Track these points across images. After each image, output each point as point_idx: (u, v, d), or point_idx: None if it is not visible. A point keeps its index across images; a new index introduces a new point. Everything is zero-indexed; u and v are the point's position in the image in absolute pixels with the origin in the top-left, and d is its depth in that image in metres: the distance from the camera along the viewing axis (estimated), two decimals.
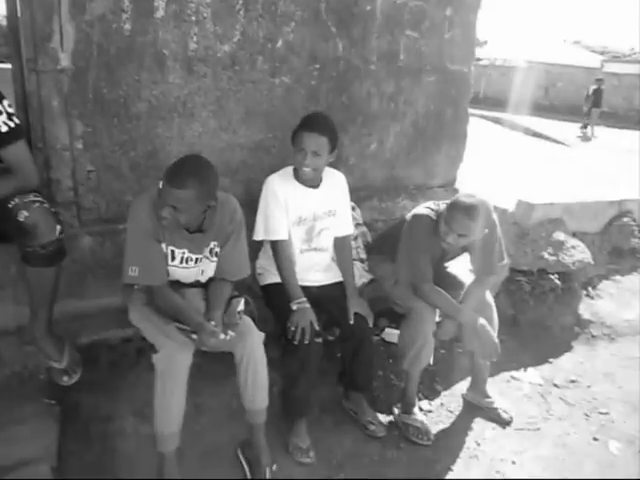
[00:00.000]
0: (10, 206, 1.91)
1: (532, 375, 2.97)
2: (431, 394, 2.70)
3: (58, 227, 1.97)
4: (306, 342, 2.14)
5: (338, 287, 2.44)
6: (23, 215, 1.90)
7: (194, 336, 1.93)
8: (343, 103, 2.94)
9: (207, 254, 2.08)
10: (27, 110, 2.21)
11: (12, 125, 1.92)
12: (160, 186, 1.85)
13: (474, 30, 3.29)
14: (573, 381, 2.94)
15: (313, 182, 2.33)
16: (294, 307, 2.21)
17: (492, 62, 22.16)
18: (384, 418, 2.48)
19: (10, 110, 1.93)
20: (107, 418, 2.20)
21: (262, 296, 2.44)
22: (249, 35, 2.55)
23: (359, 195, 2.97)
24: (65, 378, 2.22)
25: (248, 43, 2.56)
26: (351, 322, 2.30)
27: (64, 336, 2.25)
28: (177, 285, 2.09)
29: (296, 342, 2.13)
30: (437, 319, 2.45)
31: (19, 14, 2.13)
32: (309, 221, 2.36)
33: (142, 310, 2.09)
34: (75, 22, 2.16)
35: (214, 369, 2.29)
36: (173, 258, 2.03)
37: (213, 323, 1.91)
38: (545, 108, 19.26)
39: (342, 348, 2.41)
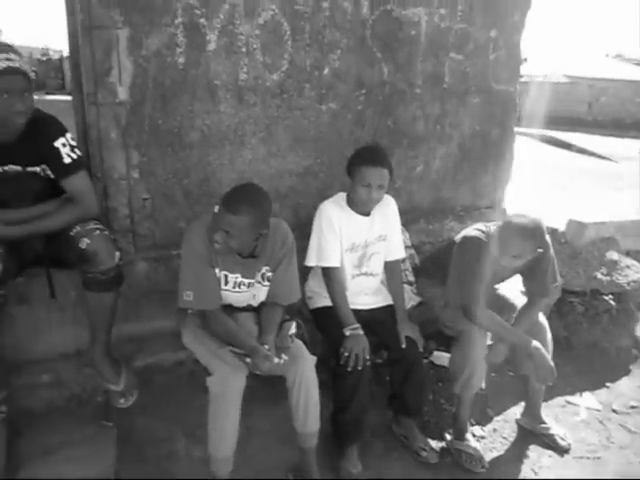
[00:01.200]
0: (72, 234, 2.01)
1: (589, 400, 2.86)
2: (483, 419, 2.64)
3: (117, 254, 2.05)
4: (359, 368, 2.13)
5: (387, 310, 2.44)
6: (85, 242, 1.98)
7: (248, 360, 1.95)
8: (389, 127, 2.97)
9: (259, 279, 2.11)
10: (87, 141, 2.32)
11: (75, 157, 2.03)
12: (215, 211, 1.90)
13: (519, 50, 3.28)
14: (633, 407, 2.82)
15: (367, 209, 2.36)
16: (347, 333, 2.21)
17: (532, 79, 21.86)
18: (436, 444, 2.43)
19: (73, 142, 2.04)
20: (161, 440, 2.24)
21: (312, 319, 2.45)
22: (297, 64, 2.62)
23: (406, 218, 2.97)
24: (122, 400, 2.28)
25: (296, 71, 2.62)
26: (403, 346, 2.28)
27: (121, 359, 2.31)
28: (230, 309, 2.13)
29: (349, 369, 2.13)
30: (488, 342, 2.40)
31: (80, 51, 2.25)
32: (361, 247, 2.38)
33: (196, 333, 2.13)
34: (132, 57, 2.27)
35: (265, 392, 2.31)
36: (226, 282, 2.07)
37: (267, 347, 1.93)
38: (589, 124, 18.84)
39: (392, 372, 2.39)
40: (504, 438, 2.54)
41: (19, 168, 2.00)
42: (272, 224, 2.04)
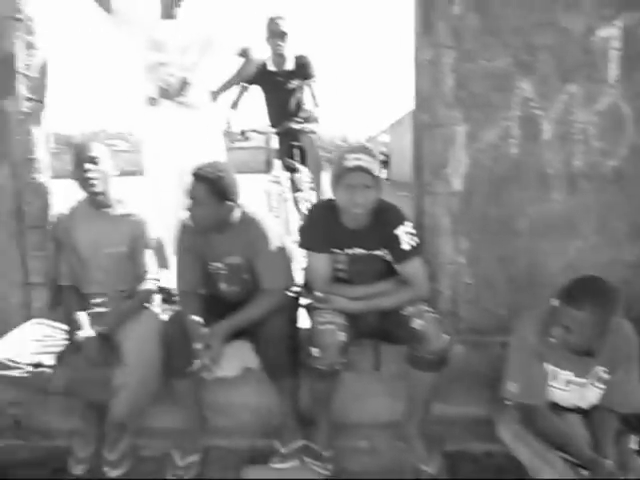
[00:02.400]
0: (405, 313, 2.17)
1: None
2: None
3: (445, 337, 2.12)
4: None
5: None
6: (417, 323, 2.11)
7: (583, 472, 1.76)
8: None
9: (593, 379, 1.93)
10: (422, 227, 2.51)
11: (413, 244, 2.22)
12: (553, 304, 1.83)
13: None
14: None
15: None
16: None
17: None
18: None
19: (411, 230, 2.24)
20: None
21: None
22: (637, 148, 2.42)
23: None
24: None
25: (636, 156, 2.43)
26: None
27: (434, 441, 2.34)
28: (554, 408, 1.99)
29: None
30: None
31: (423, 145, 2.50)
32: None
33: (515, 429, 2.03)
34: (468, 150, 2.41)
35: None
36: (555, 379, 1.95)
37: (610, 462, 1.72)
38: None
39: None
40: None
41: (364, 251, 2.28)
42: (614, 322, 1.86)
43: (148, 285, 2.43)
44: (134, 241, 2.44)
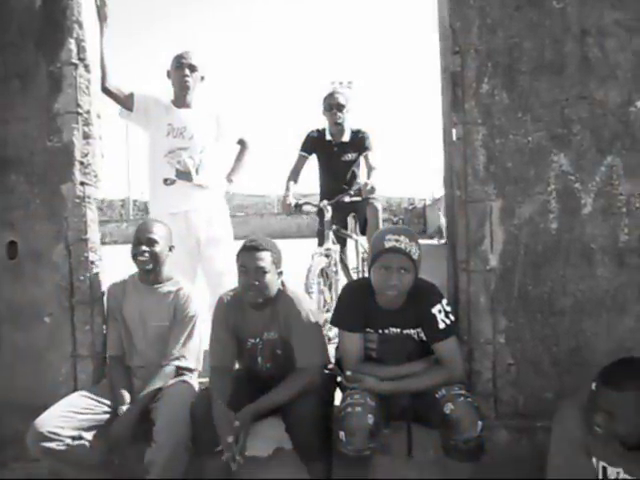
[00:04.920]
0: (437, 396, 2.08)
1: None
2: None
3: (480, 423, 2.00)
4: None
5: None
6: (449, 408, 2.02)
7: None
8: None
9: None
10: (457, 305, 2.44)
11: (448, 322, 2.17)
12: (592, 388, 1.70)
13: None
14: None
15: None
16: None
17: None
18: None
19: (447, 308, 2.18)
20: None
21: None
22: None
23: None
24: None
25: None
26: None
27: None
28: None
29: None
30: None
31: (457, 222, 2.46)
32: None
33: None
34: (504, 226, 2.35)
35: None
36: (605, 476, 1.77)
37: None
38: None
39: None
40: None
41: (397, 330, 2.23)
42: None
43: (178, 363, 2.49)
44: (174, 316, 2.53)
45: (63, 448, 2.20)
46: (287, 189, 4.10)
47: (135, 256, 2.51)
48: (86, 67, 2.59)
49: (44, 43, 2.56)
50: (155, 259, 2.52)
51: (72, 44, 2.54)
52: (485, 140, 2.34)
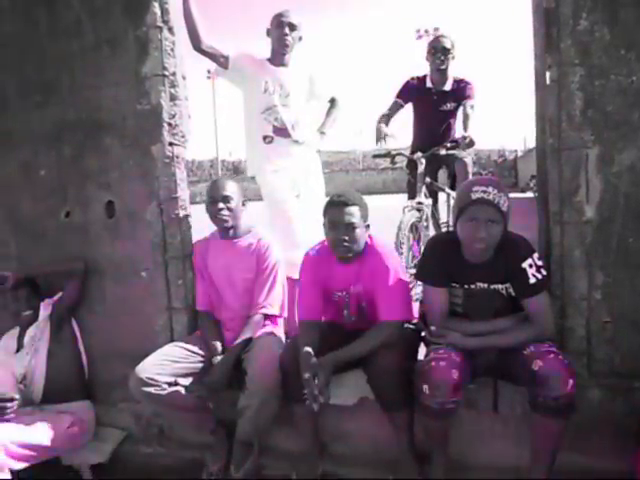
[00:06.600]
0: (526, 353, 2.02)
1: None
2: None
3: (570, 381, 1.93)
4: None
5: None
6: (537, 365, 1.96)
7: None
8: None
9: None
10: (549, 259, 2.32)
11: (540, 277, 2.07)
12: None
13: None
14: None
15: None
16: None
17: None
18: None
19: (539, 263, 2.09)
20: None
21: None
22: None
23: None
24: None
25: None
26: None
27: None
28: None
29: None
30: None
31: (548, 171, 2.31)
32: None
33: None
34: (601, 175, 2.19)
35: None
36: None
37: None
38: None
39: None
40: None
41: (485, 285, 2.17)
42: None
43: (264, 310, 2.59)
44: (257, 266, 2.62)
45: (161, 392, 2.37)
46: (379, 122, 3.99)
47: (213, 214, 2.60)
48: (170, 29, 2.64)
49: (130, 8, 2.63)
50: (233, 215, 2.60)
51: (156, 7, 2.59)
52: (582, 82, 2.15)
